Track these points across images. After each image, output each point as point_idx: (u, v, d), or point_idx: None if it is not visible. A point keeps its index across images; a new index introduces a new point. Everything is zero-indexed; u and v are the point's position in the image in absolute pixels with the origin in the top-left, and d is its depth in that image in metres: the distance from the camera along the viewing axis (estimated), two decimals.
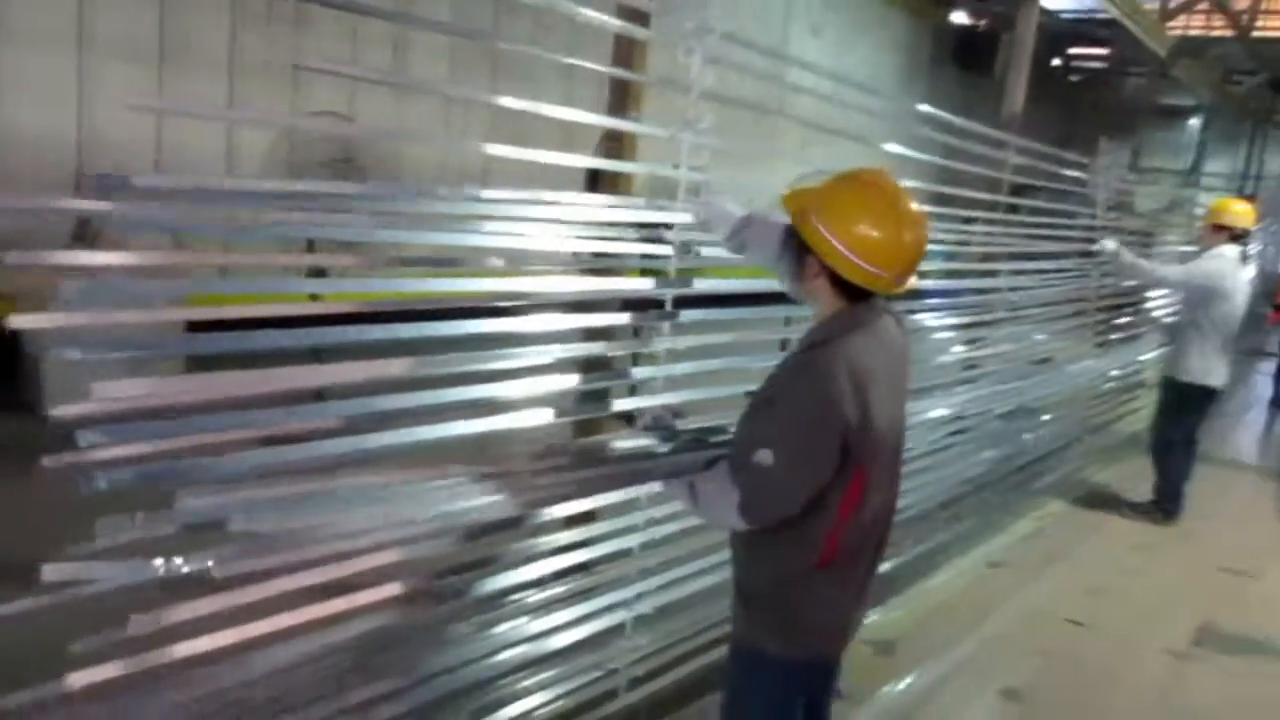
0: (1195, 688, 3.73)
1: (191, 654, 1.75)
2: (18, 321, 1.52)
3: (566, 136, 6.88)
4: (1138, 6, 11.52)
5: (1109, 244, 5.99)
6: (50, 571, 1.56)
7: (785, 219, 1.99)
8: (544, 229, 2.52)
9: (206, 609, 1.74)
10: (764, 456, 1.81)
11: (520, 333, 2.40)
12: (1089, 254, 6.21)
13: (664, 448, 2.21)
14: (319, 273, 4.32)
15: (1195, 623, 4.29)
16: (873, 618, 3.85)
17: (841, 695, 2.55)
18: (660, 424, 2.24)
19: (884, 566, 3.86)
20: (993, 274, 5.27)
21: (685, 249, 2.82)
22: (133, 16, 6.41)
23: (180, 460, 1.69)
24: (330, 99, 7.18)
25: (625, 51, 3.30)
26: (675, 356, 2.87)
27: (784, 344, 3.26)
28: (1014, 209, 5.58)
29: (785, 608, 1.98)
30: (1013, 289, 5.47)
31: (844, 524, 1.90)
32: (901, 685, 3.43)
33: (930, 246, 1.84)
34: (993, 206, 5.38)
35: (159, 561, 1.64)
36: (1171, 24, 14.08)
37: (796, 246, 1.92)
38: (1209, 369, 5.47)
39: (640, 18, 2.95)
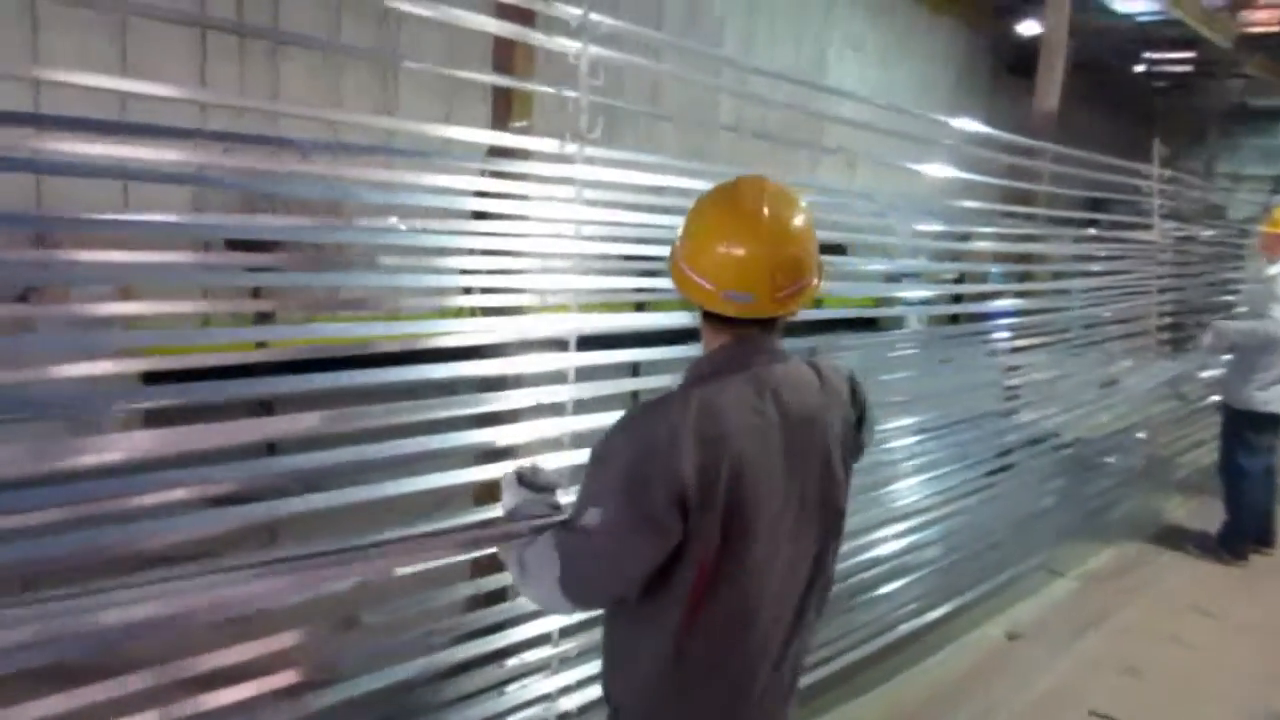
0: None
1: None
2: None
3: None
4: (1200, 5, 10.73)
5: (1207, 338, 5.23)
6: None
7: None
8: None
9: None
10: (591, 517, 1.48)
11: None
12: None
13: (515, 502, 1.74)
14: (265, 318, 3.78)
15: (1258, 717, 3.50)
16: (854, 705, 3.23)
17: None
18: (537, 479, 1.77)
19: (876, 641, 3.38)
20: (1065, 293, 5.07)
21: None
22: None
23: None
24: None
25: (506, 54, 2.83)
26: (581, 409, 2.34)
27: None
28: (1093, 222, 5.46)
29: None
30: (1085, 306, 5.26)
31: (698, 617, 1.49)
32: None
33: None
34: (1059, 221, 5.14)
35: None
36: (1252, 19, 12.98)
37: None
38: (1269, 397, 4.87)
39: (524, 16, 2.43)
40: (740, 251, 1.49)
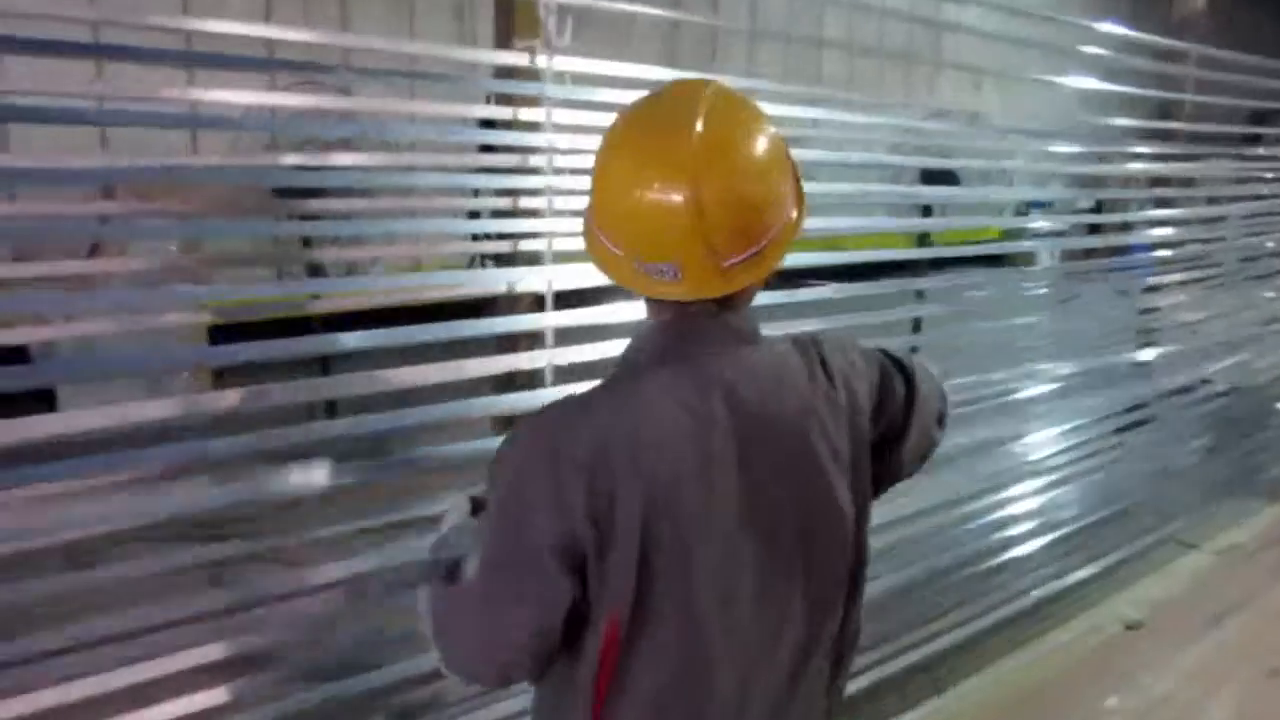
0: None
1: None
2: None
3: None
4: None
5: None
6: None
7: None
8: None
9: None
10: (471, 565, 1.10)
11: None
12: None
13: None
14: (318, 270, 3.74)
15: None
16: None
17: None
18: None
19: (960, 631, 2.96)
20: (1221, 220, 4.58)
21: None
22: None
23: None
24: None
25: None
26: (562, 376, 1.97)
27: None
28: (1258, 139, 4.93)
29: None
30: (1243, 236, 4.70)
31: (614, 701, 1.08)
32: None
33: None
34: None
35: None
36: None
37: None
38: None
39: None
40: (656, 199, 1.01)
